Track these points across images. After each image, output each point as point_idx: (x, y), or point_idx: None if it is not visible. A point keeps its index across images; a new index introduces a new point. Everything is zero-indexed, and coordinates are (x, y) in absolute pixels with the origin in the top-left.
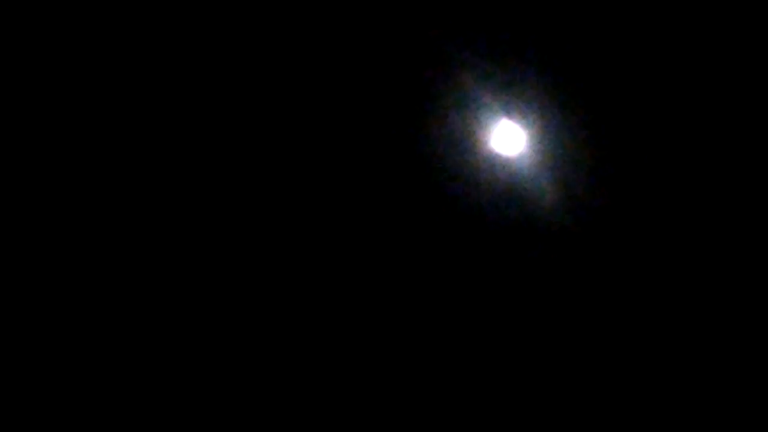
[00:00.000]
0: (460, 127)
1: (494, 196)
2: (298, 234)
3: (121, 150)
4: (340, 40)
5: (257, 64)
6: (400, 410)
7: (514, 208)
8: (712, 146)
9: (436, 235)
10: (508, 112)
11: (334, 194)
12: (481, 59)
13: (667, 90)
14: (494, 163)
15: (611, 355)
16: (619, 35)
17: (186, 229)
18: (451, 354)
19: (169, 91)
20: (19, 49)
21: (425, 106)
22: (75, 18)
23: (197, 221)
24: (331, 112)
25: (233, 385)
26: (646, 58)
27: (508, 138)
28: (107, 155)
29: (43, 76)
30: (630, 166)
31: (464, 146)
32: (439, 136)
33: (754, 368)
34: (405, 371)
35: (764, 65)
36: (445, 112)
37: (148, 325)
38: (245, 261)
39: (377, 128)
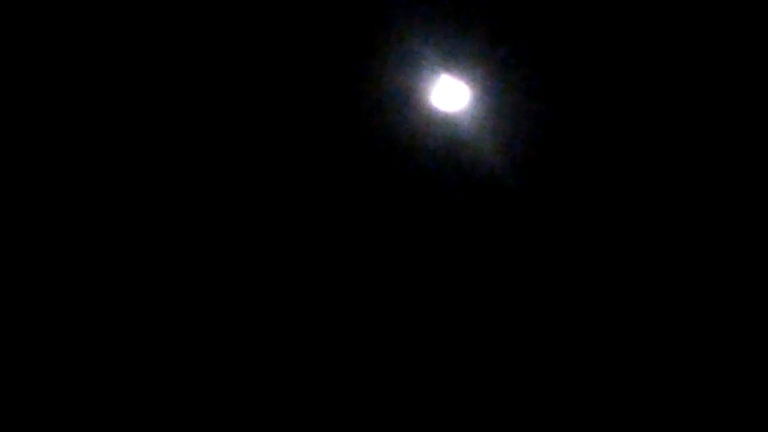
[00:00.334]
0: (401, 83)
1: (435, 152)
2: (239, 190)
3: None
4: None
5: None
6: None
7: (454, 163)
8: (648, 98)
9: (377, 191)
10: (449, 68)
11: (273, 153)
12: (423, 15)
13: (610, 46)
14: (435, 118)
15: (545, 305)
16: None
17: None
18: (388, 306)
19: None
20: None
21: (366, 63)
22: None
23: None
24: (270, 68)
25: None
26: (589, 13)
27: (449, 94)
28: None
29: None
30: (570, 120)
31: (405, 102)
32: (380, 92)
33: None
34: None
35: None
36: (386, 68)
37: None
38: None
39: (317, 84)
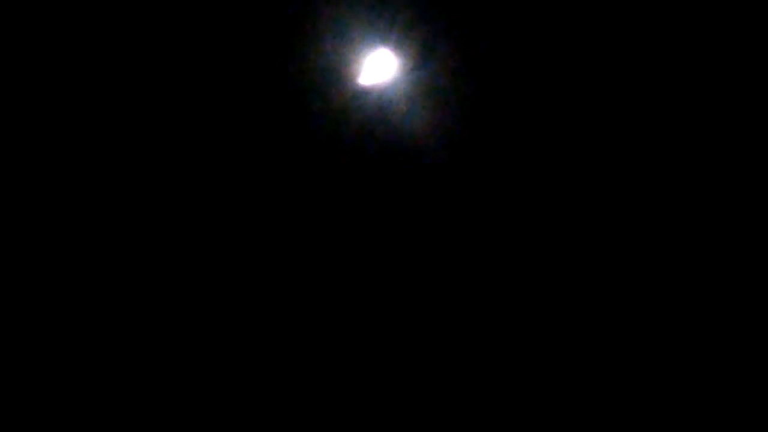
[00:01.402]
0: (333, 56)
1: (365, 126)
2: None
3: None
4: None
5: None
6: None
7: (385, 137)
8: (576, 69)
9: (309, 165)
10: (381, 41)
11: (206, 129)
12: None
13: (539, 18)
14: (366, 92)
15: (474, 277)
16: None
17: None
18: (324, 283)
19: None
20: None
21: (298, 36)
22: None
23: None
24: (203, 42)
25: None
26: None
27: (380, 67)
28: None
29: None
30: (501, 94)
31: (337, 76)
32: (311, 65)
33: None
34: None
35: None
36: (318, 42)
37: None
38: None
39: (250, 59)
